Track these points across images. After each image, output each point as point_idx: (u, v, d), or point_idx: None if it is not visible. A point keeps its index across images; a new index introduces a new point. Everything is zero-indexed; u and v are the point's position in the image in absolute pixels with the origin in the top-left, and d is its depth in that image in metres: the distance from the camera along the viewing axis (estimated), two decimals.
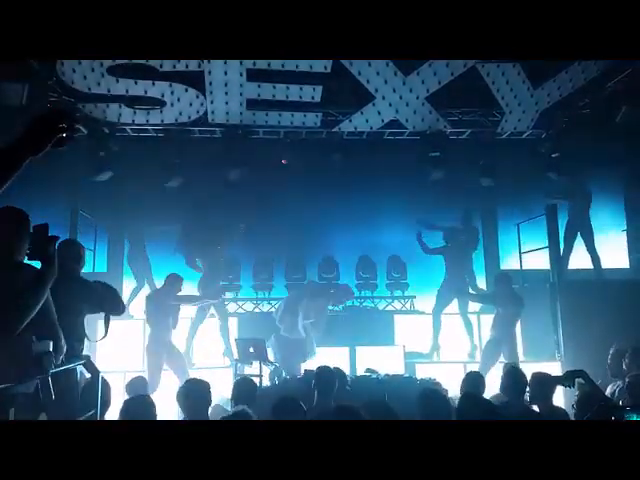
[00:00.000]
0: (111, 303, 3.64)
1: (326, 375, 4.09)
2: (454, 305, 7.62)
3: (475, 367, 6.36)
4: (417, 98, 7.04)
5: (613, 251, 8.29)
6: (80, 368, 3.16)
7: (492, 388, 4.58)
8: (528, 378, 4.06)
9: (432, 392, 3.69)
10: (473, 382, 4.32)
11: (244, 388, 4.07)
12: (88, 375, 3.19)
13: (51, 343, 2.21)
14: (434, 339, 7.36)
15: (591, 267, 7.71)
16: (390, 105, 7.06)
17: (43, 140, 1.65)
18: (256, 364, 5.67)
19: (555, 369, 5.96)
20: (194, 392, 3.47)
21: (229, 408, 4.12)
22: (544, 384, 3.97)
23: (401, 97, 7.01)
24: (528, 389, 4.06)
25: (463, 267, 7.83)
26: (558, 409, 4.04)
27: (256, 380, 5.37)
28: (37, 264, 2.33)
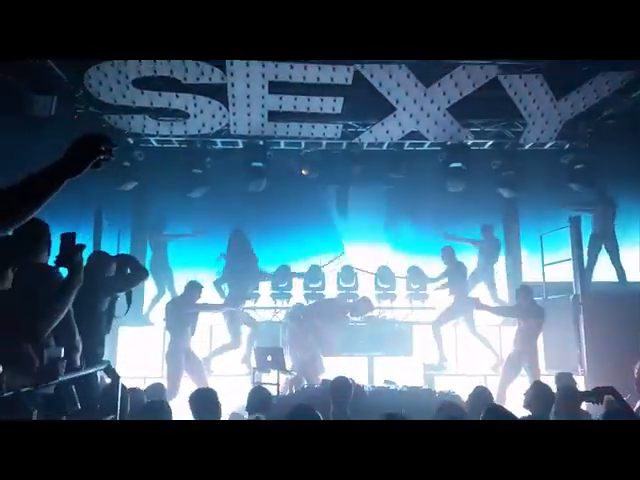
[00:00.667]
0: (136, 278, 3.74)
1: (341, 385, 4.09)
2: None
3: (496, 380, 6.28)
4: (438, 109, 7.03)
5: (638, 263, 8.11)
6: (100, 373, 3.22)
7: (512, 401, 4.51)
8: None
9: (496, 408, 3.53)
10: (479, 397, 4.20)
11: (258, 397, 4.10)
12: (108, 380, 3.25)
13: (63, 349, 2.26)
14: (440, 351, 7.31)
15: (615, 280, 7.57)
16: (411, 116, 7.07)
17: (83, 163, 1.73)
18: (274, 372, 5.68)
19: (578, 383, 5.84)
20: (201, 400, 3.52)
21: (246, 416, 4.15)
22: (571, 399, 3.90)
23: (422, 108, 7.01)
24: (524, 396, 4.00)
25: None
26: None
27: (273, 388, 5.39)
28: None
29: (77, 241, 2.31)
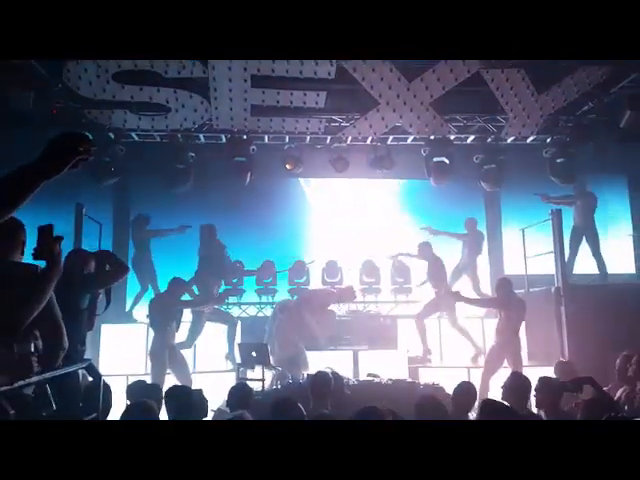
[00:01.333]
0: (115, 274, 3.69)
1: (320, 380, 4.11)
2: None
3: (479, 372, 6.35)
4: (421, 104, 7.05)
5: (619, 256, 8.25)
6: (82, 371, 3.18)
7: (496, 393, 4.55)
8: (533, 383, 4.04)
9: (492, 402, 3.45)
10: (464, 392, 4.22)
11: (239, 393, 4.09)
12: (90, 378, 3.21)
13: (32, 344, 2.22)
14: (423, 344, 7.35)
15: (596, 272, 7.68)
16: (394, 111, 7.07)
17: (61, 164, 1.68)
18: (259, 368, 5.68)
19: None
20: (173, 398, 3.53)
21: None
22: (551, 389, 3.94)
23: (405, 102, 7.02)
24: (534, 394, 4.03)
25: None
26: (565, 415, 3.99)
27: (258, 384, 5.39)
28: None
29: (55, 233, 2.27)
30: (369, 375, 5.84)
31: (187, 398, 3.59)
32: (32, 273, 2.40)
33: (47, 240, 2.11)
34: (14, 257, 2.44)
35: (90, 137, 1.76)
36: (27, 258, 2.45)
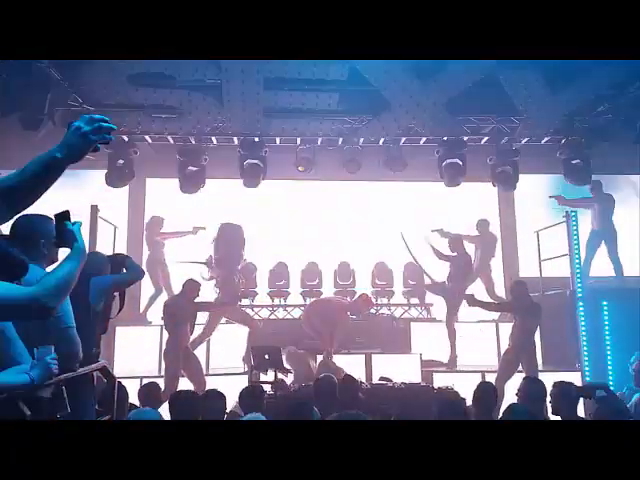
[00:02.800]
0: (130, 278, 3.71)
1: (324, 385, 4.09)
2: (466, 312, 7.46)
3: (494, 376, 6.28)
4: (434, 104, 7.01)
5: (634, 258, 8.13)
6: (97, 373, 3.19)
7: (512, 398, 4.49)
8: (548, 388, 3.98)
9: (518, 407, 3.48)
10: (486, 394, 4.16)
11: (250, 396, 4.08)
12: (104, 380, 3.22)
13: (53, 348, 2.22)
14: (452, 348, 7.21)
15: (612, 275, 7.58)
16: (407, 112, 7.04)
17: (85, 145, 1.74)
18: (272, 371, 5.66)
19: (575, 379, 5.85)
20: (178, 404, 3.54)
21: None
22: (567, 395, 3.87)
23: (418, 104, 6.98)
24: (549, 400, 3.96)
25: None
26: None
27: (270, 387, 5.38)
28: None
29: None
30: (381, 379, 5.80)
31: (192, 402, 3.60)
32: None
33: (66, 226, 2.10)
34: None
35: (108, 120, 1.80)
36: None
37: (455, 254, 7.50)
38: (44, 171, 1.70)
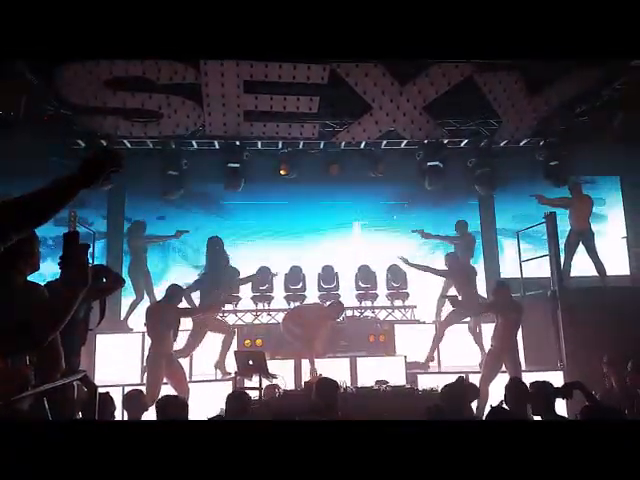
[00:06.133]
0: (110, 287, 3.66)
1: (328, 386, 4.06)
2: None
3: (477, 377, 6.31)
4: (414, 108, 7.06)
5: (612, 258, 8.26)
6: (77, 383, 3.13)
7: (496, 399, 4.51)
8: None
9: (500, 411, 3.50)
10: (455, 392, 4.17)
11: (236, 402, 4.05)
12: (85, 390, 3.16)
13: (27, 358, 2.16)
14: (431, 350, 7.22)
15: (592, 274, 7.67)
16: (387, 115, 7.08)
17: (98, 173, 1.93)
18: (256, 377, 5.60)
19: (557, 378, 5.90)
20: (164, 407, 3.50)
21: None
22: (544, 394, 3.91)
23: (398, 107, 7.02)
24: (530, 400, 3.99)
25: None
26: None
27: (255, 393, 5.32)
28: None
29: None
30: (377, 382, 5.78)
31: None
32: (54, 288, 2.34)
33: (75, 249, 2.04)
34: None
35: (119, 154, 2.00)
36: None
37: (450, 269, 7.55)
38: (56, 196, 1.85)
